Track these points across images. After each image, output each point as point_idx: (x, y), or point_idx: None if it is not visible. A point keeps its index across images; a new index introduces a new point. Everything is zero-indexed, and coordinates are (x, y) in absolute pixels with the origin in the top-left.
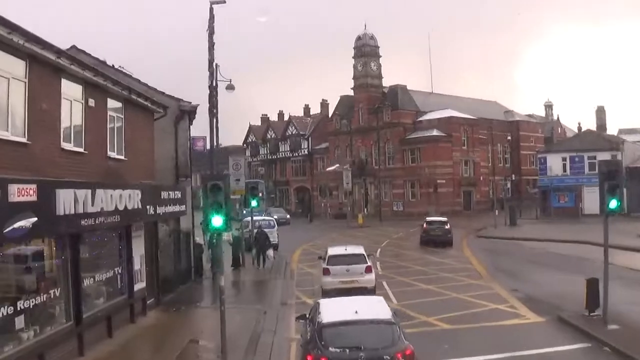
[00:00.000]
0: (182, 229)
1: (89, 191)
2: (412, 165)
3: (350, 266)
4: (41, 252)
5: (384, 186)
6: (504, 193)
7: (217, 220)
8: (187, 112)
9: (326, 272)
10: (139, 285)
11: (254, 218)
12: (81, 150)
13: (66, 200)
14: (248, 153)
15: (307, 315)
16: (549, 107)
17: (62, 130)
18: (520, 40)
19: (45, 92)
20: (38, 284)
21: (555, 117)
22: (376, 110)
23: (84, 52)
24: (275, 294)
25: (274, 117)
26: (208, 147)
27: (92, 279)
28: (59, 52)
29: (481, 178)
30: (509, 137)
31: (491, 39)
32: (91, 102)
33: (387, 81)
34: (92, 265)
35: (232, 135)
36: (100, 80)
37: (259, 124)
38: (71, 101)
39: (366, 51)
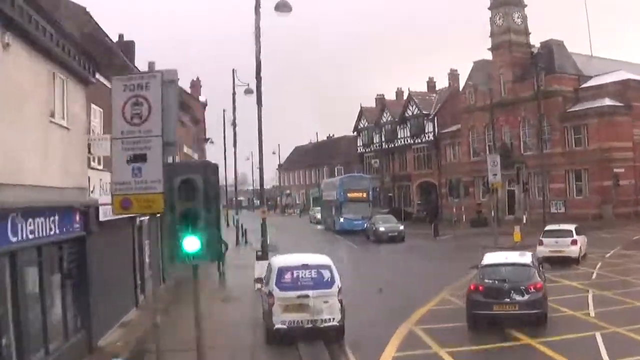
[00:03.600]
0: None
1: None
2: (577, 149)
3: (559, 239)
4: None
5: (537, 179)
6: None
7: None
8: None
9: (540, 243)
10: None
11: (279, 262)
12: None
13: None
14: (360, 142)
15: (478, 265)
16: None
17: None
18: None
19: None
20: None
21: None
22: (526, 76)
23: None
24: None
25: (391, 97)
26: None
27: None
28: None
29: None
30: None
31: None
32: None
33: (534, 39)
34: None
35: (348, 124)
36: None
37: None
38: None
39: None
